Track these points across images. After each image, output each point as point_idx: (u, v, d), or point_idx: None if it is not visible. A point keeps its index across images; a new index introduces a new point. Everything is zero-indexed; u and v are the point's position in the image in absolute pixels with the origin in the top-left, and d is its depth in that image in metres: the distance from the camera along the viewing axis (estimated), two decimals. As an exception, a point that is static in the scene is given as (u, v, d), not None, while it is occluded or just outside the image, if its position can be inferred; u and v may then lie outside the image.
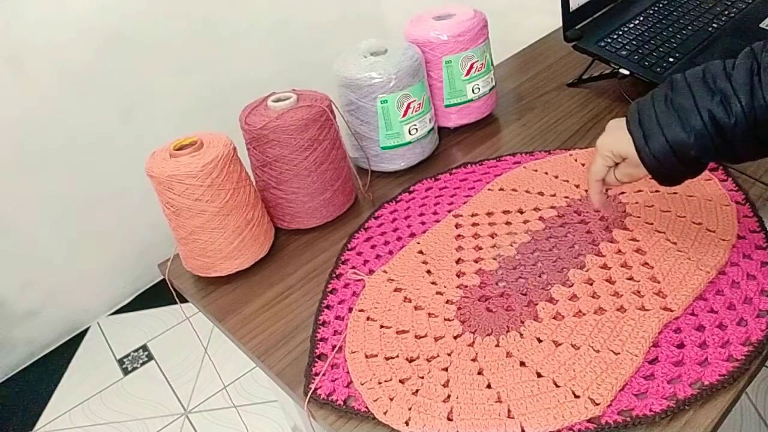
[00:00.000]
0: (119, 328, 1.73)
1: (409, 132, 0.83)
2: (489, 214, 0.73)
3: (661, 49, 0.90)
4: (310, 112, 0.72)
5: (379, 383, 0.55)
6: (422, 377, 0.55)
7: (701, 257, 0.60)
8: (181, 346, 1.62)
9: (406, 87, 0.79)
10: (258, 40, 1.81)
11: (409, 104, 0.81)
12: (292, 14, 1.86)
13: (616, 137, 0.56)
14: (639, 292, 0.58)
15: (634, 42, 0.92)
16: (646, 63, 0.88)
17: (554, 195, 0.73)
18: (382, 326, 0.61)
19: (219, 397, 1.46)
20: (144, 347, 1.65)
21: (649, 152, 0.53)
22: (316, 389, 0.57)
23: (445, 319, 0.60)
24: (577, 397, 0.50)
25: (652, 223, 0.66)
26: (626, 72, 0.88)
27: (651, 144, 0.52)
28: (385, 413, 0.53)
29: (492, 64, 0.92)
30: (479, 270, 0.65)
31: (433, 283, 0.65)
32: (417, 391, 0.54)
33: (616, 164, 0.58)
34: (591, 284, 0.60)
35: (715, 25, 0.95)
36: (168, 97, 1.67)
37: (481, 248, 0.68)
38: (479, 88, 0.90)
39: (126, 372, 1.59)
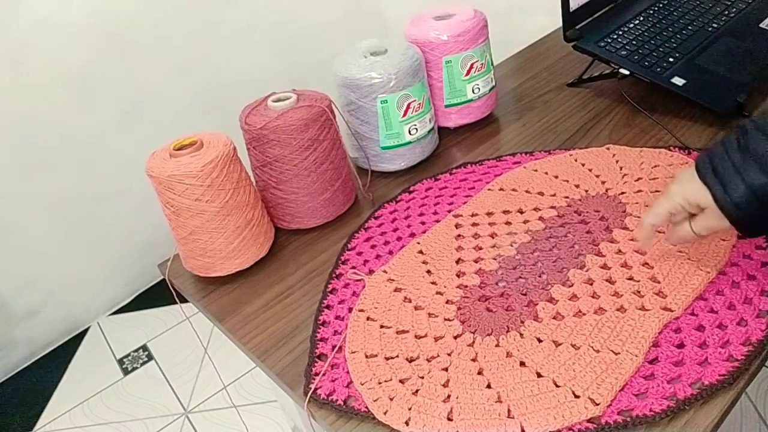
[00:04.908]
0: (119, 328, 1.73)
1: (409, 132, 0.83)
2: (489, 214, 0.73)
3: (661, 49, 0.90)
4: (310, 112, 0.72)
5: (379, 383, 0.55)
6: (422, 377, 0.55)
7: (701, 257, 0.60)
8: (181, 346, 1.62)
9: (406, 87, 0.79)
10: (258, 40, 1.81)
11: (409, 104, 0.81)
12: (292, 14, 1.86)
13: (691, 187, 0.53)
14: (639, 292, 0.58)
15: (634, 42, 0.92)
16: (646, 63, 0.88)
17: (554, 195, 0.73)
18: (382, 326, 0.61)
19: (219, 397, 1.46)
20: (144, 347, 1.65)
21: (729, 201, 0.50)
22: (316, 389, 0.57)
23: (445, 319, 0.60)
24: (577, 397, 0.50)
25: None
26: (626, 72, 0.88)
27: (730, 192, 0.50)
28: (385, 413, 0.53)
29: (492, 64, 0.92)
30: (479, 270, 0.65)
31: (433, 283, 0.65)
32: (417, 391, 0.54)
33: (692, 216, 0.55)
34: (591, 284, 0.60)
35: (715, 25, 0.95)
36: (168, 97, 1.67)
37: (481, 248, 0.68)
38: (479, 88, 0.90)
39: (126, 372, 1.59)
